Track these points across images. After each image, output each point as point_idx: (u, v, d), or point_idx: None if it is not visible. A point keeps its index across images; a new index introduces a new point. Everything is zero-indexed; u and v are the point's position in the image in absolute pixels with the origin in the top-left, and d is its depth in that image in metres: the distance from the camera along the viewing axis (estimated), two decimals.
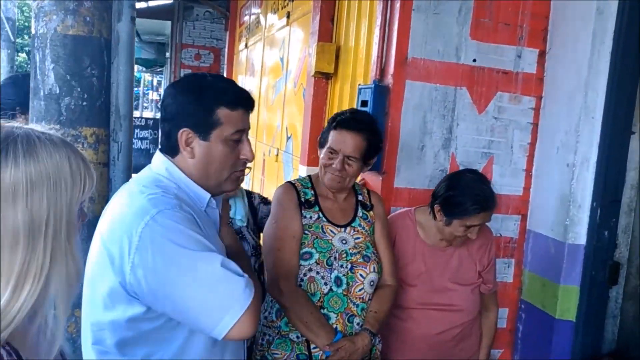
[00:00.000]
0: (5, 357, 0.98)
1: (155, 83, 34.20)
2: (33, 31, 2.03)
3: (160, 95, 25.60)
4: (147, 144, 10.45)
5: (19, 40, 15.82)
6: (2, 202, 0.96)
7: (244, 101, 1.62)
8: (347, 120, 2.26)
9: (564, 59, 2.78)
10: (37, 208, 0.99)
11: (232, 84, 1.66)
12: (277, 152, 5.54)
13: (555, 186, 2.78)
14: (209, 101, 1.57)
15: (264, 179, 6.05)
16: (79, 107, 2.02)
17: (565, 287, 2.70)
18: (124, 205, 1.49)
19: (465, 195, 2.26)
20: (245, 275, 1.44)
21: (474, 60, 2.81)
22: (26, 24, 18.74)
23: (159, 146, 1.67)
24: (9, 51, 11.94)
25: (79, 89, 2.02)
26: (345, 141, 2.20)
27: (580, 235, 2.68)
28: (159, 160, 1.62)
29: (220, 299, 1.39)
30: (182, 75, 10.15)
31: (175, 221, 1.42)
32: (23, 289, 0.98)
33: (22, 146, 1.00)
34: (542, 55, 2.89)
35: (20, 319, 0.98)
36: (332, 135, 2.24)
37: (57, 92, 2.00)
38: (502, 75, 2.86)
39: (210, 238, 1.50)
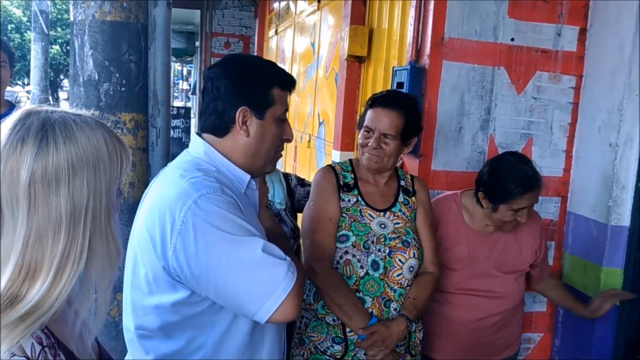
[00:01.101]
0: (44, 340, 0.98)
1: (185, 72, 34.46)
2: (71, 18, 2.05)
3: (190, 84, 25.76)
4: (179, 133, 10.54)
5: (52, 32, 16.07)
6: (45, 188, 0.96)
7: (292, 82, 1.67)
8: (382, 98, 2.23)
9: (606, 36, 2.70)
10: (79, 193, 0.99)
11: (278, 65, 1.70)
12: (309, 138, 5.53)
13: (597, 167, 2.72)
14: (265, 80, 1.60)
15: (296, 165, 6.05)
16: (117, 92, 2.03)
17: (608, 270, 2.64)
18: (164, 190, 1.50)
19: (507, 178, 2.21)
20: (287, 258, 1.44)
21: (512, 40, 2.75)
22: (59, 16, 19.02)
23: (197, 129, 1.68)
24: (42, 43, 12.15)
25: (117, 75, 2.04)
26: (380, 119, 2.17)
27: (623, 216, 2.62)
28: (198, 143, 1.62)
29: (263, 283, 1.39)
30: (212, 63, 10.27)
31: (217, 205, 1.42)
32: (63, 273, 0.98)
33: (61, 131, 0.99)
34: (582, 32, 2.81)
35: (60, 304, 0.99)
36: (369, 114, 2.22)
37: (96, 78, 2.02)
38: (541, 54, 2.79)
39: (250, 221, 1.50)
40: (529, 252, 2.41)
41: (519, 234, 2.40)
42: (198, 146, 1.62)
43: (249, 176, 1.64)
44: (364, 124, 2.22)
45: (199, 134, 1.66)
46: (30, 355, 0.94)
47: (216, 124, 1.60)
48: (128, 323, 1.57)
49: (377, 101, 2.22)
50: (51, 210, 0.96)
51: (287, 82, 1.65)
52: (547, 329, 2.99)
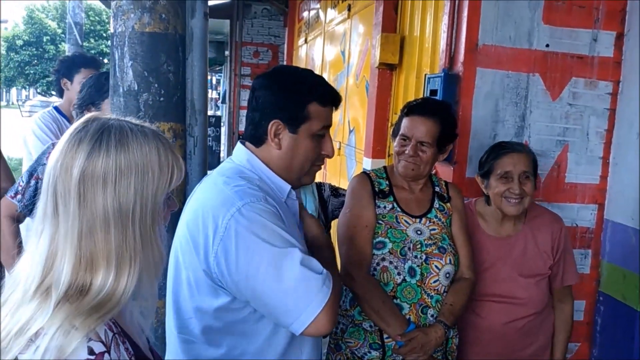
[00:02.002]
0: (113, 328, 1.06)
1: (214, 82, 34.80)
2: (111, 30, 2.09)
3: (219, 93, 26.01)
4: (210, 141, 10.66)
5: (85, 43, 16.39)
6: (93, 186, 1.04)
7: (334, 99, 1.66)
8: (418, 106, 2.24)
9: None
10: (125, 195, 1.06)
11: (323, 80, 1.69)
12: (340, 146, 5.54)
13: (635, 173, 2.67)
14: (302, 95, 1.60)
15: (327, 172, 6.07)
16: (156, 102, 2.07)
17: None
18: (208, 195, 1.53)
19: (486, 152, 2.39)
20: (324, 271, 1.46)
21: (547, 46, 2.73)
22: (92, 27, 19.42)
23: (241, 138, 1.70)
24: (77, 54, 12.39)
25: (156, 85, 2.08)
26: (417, 126, 2.18)
27: None
28: (240, 151, 1.65)
29: (298, 296, 1.41)
30: (242, 72, 10.35)
31: (259, 214, 1.44)
32: (123, 270, 1.06)
33: (115, 137, 1.08)
34: (619, 37, 2.77)
35: (127, 297, 1.07)
36: (404, 122, 2.22)
37: (136, 88, 2.06)
38: (576, 60, 2.76)
39: (291, 231, 1.52)
40: (549, 254, 2.38)
41: (538, 236, 2.39)
42: (241, 154, 1.64)
43: (289, 186, 1.65)
44: (400, 132, 2.22)
45: (242, 142, 1.68)
46: (104, 340, 1.02)
47: (253, 134, 1.63)
48: (171, 325, 1.60)
49: (413, 109, 2.23)
50: (99, 207, 1.05)
51: (328, 98, 1.64)
52: (585, 339, 2.94)
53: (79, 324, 1.00)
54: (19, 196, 2.45)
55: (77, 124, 1.11)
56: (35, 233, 1.08)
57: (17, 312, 1.02)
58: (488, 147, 2.42)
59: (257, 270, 1.40)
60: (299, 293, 1.41)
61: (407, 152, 2.19)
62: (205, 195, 1.54)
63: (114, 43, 2.08)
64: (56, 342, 0.98)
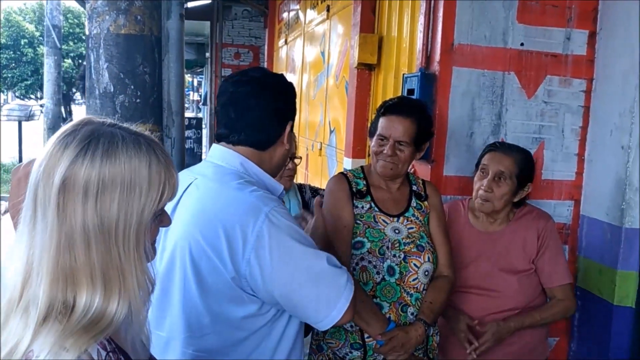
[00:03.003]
0: (107, 346, 1.00)
1: (195, 84, 34.67)
2: (87, 32, 2.08)
3: (200, 95, 25.91)
4: (191, 143, 10.62)
5: (64, 46, 16.25)
6: (73, 197, 0.96)
7: None
8: (394, 106, 2.25)
9: (616, 40, 2.70)
10: (107, 210, 0.97)
11: None
12: (320, 147, 5.56)
13: (610, 170, 2.71)
14: (294, 94, 1.73)
15: (308, 173, 6.08)
16: (132, 104, 2.07)
17: (623, 273, 2.63)
18: (223, 203, 1.51)
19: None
20: (344, 267, 1.54)
21: (522, 44, 2.76)
22: (70, 30, 19.23)
23: (216, 140, 1.69)
24: (55, 57, 12.28)
25: (132, 87, 2.07)
26: (394, 126, 2.19)
27: (637, 219, 2.61)
28: (230, 155, 1.63)
29: (329, 293, 1.48)
30: (222, 74, 10.31)
31: (286, 219, 1.49)
32: (112, 290, 0.98)
33: (103, 145, 0.99)
34: (592, 36, 2.82)
35: (120, 317, 0.99)
36: (381, 121, 2.23)
37: (112, 90, 2.06)
38: (551, 59, 2.80)
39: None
40: (532, 250, 2.41)
41: (523, 233, 2.42)
42: (232, 158, 1.63)
43: (282, 187, 1.71)
44: (378, 132, 2.23)
45: (223, 146, 1.66)
46: None
47: (261, 139, 1.64)
48: (175, 340, 1.56)
49: (389, 109, 2.24)
50: (78, 221, 0.96)
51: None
52: (563, 333, 2.97)
53: (70, 345, 0.93)
54: None
55: (68, 125, 1.02)
56: (18, 237, 1.00)
57: (6, 326, 0.96)
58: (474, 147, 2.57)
59: (292, 273, 1.45)
60: (330, 291, 1.48)
61: (385, 151, 2.20)
62: (217, 203, 1.52)
63: (90, 45, 2.07)
64: None
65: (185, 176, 1.62)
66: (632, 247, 2.62)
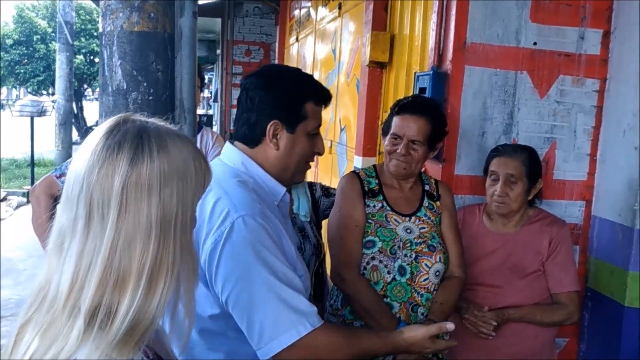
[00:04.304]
0: (149, 353, 1.00)
1: (206, 80, 34.74)
2: (100, 29, 2.10)
3: (211, 92, 25.96)
4: None
5: (76, 42, 16.33)
6: (137, 195, 0.97)
7: (328, 98, 1.68)
8: (409, 105, 2.25)
9: (630, 39, 2.68)
10: (169, 202, 0.99)
11: (314, 79, 1.71)
12: (331, 145, 5.55)
13: (622, 170, 2.70)
14: (299, 95, 1.61)
15: (318, 171, 6.08)
16: (145, 101, 2.08)
17: (635, 274, 2.62)
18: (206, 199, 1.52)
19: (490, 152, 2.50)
20: (313, 307, 1.47)
21: (535, 44, 2.75)
22: (82, 26, 19.32)
23: (230, 139, 1.70)
24: (67, 53, 12.35)
25: (145, 84, 2.08)
26: (409, 125, 2.19)
27: None
28: (233, 153, 1.64)
29: (273, 322, 1.41)
30: (233, 71, 10.34)
31: (256, 230, 1.45)
32: (157, 284, 0.98)
33: (156, 140, 1.00)
34: (606, 35, 2.80)
35: (160, 316, 0.99)
36: (395, 120, 2.23)
37: (125, 87, 2.07)
38: (564, 58, 2.79)
39: (288, 230, 1.58)
40: (543, 253, 2.42)
41: (535, 236, 2.43)
42: (235, 156, 1.63)
43: (284, 189, 1.65)
44: (391, 131, 2.23)
45: (232, 143, 1.68)
46: None
47: (247, 135, 1.62)
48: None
49: (403, 108, 2.24)
50: (142, 217, 0.97)
51: (322, 97, 1.66)
52: (573, 334, 2.96)
53: (116, 355, 0.93)
54: (63, 178, 2.52)
55: (106, 126, 1.02)
56: (57, 248, 0.99)
57: (47, 334, 0.95)
58: (485, 147, 2.55)
59: (234, 286, 1.43)
60: (276, 320, 1.41)
61: (399, 151, 2.20)
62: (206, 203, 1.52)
63: (103, 42, 2.09)
64: None
65: None
66: None
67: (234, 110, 7.75)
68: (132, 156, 0.97)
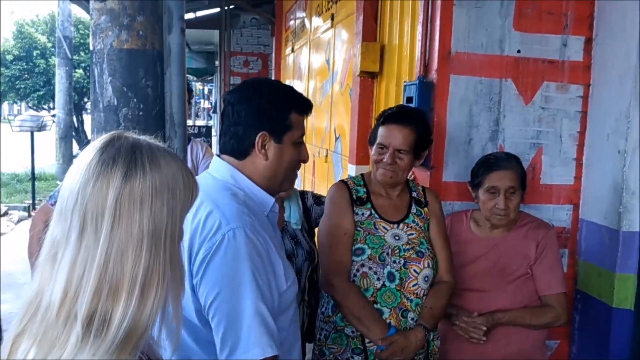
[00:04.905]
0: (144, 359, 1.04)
1: (206, 92, 34.88)
2: (91, 47, 2.16)
3: (211, 103, 26.07)
4: None
5: (75, 57, 16.43)
6: (130, 208, 1.01)
7: (309, 107, 1.73)
8: (393, 115, 2.31)
9: (611, 45, 2.74)
10: (159, 215, 1.03)
11: (295, 90, 1.77)
12: (327, 153, 5.61)
13: (607, 174, 2.75)
14: (284, 106, 1.67)
15: (315, 179, 6.13)
16: (135, 117, 2.13)
17: (622, 276, 2.66)
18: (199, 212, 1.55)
19: (477, 164, 2.49)
20: (274, 334, 1.48)
21: (519, 51, 2.81)
22: (82, 41, 19.43)
23: (218, 152, 1.74)
24: (67, 68, 12.46)
25: (135, 100, 2.13)
26: (394, 135, 2.25)
27: (634, 222, 2.64)
28: (222, 166, 1.68)
29: (240, 337, 1.44)
30: (231, 82, 10.40)
31: (246, 243, 1.48)
32: (149, 294, 1.01)
33: (148, 156, 1.05)
34: (588, 42, 2.85)
35: (153, 322, 1.03)
36: (381, 130, 2.28)
37: (115, 103, 2.12)
38: (547, 65, 2.84)
39: (276, 240, 1.61)
40: (530, 257, 2.46)
41: (522, 241, 2.47)
42: (224, 170, 1.67)
43: (273, 199, 1.69)
44: (377, 141, 2.28)
45: (218, 156, 1.71)
46: None
47: (235, 147, 1.66)
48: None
49: (388, 118, 2.29)
50: (134, 228, 1.00)
51: (304, 107, 1.72)
52: (564, 336, 3.00)
53: (85, 354, 0.96)
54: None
55: (100, 142, 1.06)
56: (50, 259, 1.02)
57: (43, 342, 0.98)
58: (479, 159, 2.52)
59: (224, 294, 1.46)
60: (245, 336, 1.44)
61: (385, 160, 2.25)
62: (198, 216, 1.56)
63: (94, 60, 2.14)
64: None
65: None
66: (630, 250, 2.65)
67: None
68: (126, 170, 1.01)
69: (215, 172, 1.68)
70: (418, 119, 2.33)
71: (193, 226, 1.51)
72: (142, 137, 1.10)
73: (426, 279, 2.24)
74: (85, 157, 1.04)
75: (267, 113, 1.64)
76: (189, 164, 3.29)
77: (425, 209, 2.37)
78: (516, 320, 2.40)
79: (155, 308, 1.02)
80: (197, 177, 1.71)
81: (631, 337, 2.69)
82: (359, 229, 2.26)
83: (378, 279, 2.19)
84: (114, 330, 0.97)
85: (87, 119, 21.30)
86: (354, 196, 2.32)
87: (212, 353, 1.51)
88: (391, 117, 2.30)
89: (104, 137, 1.07)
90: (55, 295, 0.99)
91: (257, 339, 1.43)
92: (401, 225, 2.30)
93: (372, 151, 2.32)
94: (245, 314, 1.43)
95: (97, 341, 0.96)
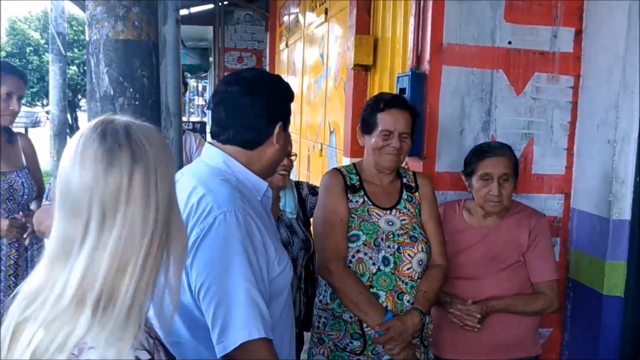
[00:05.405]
0: (151, 333, 1.08)
1: (200, 88, 34.82)
2: (87, 38, 2.18)
3: (205, 100, 26.01)
4: None
5: (69, 53, 16.38)
6: (144, 187, 1.04)
7: (294, 95, 1.82)
8: (394, 100, 2.36)
9: (600, 37, 2.78)
10: (164, 188, 1.08)
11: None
12: (321, 147, 5.64)
13: (597, 163, 2.79)
14: (287, 96, 1.75)
15: (309, 173, 6.16)
16: (132, 106, 2.15)
17: (612, 263, 2.71)
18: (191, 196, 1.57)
19: (470, 153, 2.54)
20: (265, 312, 1.49)
21: (510, 43, 2.84)
22: (75, 37, 19.39)
23: (211, 140, 1.74)
24: (60, 64, 12.40)
25: (131, 90, 2.15)
26: (398, 120, 2.29)
27: (624, 210, 2.68)
28: (214, 153, 1.69)
29: (233, 318, 1.44)
30: None
31: (237, 227, 1.50)
32: (152, 265, 1.05)
33: (142, 133, 1.09)
34: (578, 33, 2.89)
35: (153, 291, 1.07)
36: (383, 117, 2.30)
37: (112, 93, 2.14)
38: (538, 56, 2.88)
39: (270, 225, 1.63)
40: (523, 245, 2.49)
41: (515, 229, 2.51)
42: (215, 156, 1.68)
43: (266, 184, 1.73)
44: (381, 128, 2.30)
45: (211, 143, 1.73)
46: (147, 347, 1.03)
47: (249, 139, 1.68)
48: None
49: (389, 104, 2.32)
50: (144, 205, 1.04)
51: (293, 96, 1.80)
52: (557, 324, 3.04)
53: (123, 334, 0.99)
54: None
55: (94, 132, 1.06)
56: (60, 254, 1.03)
57: (52, 326, 0.99)
58: (472, 148, 2.56)
59: (205, 278, 1.47)
60: (237, 317, 1.44)
61: (393, 145, 2.28)
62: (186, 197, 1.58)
63: (90, 50, 2.16)
64: (105, 356, 0.98)
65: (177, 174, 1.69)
66: (620, 238, 2.70)
67: None
68: (132, 152, 1.04)
69: (208, 159, 1.70)
70: (409, 102, 2.42)
71: (187, 210, 1.52)
72: (123, 117, 1.12)
73: (420, 262, 2.27)
74: (84, 148, 1.04)
75: (281, 104, 1.71)
76: (183, 156, 3.31)
77: (417, 193, 2.41)
78: (509, 307, 2.44)
79: (155, 277, 1.06)
80: (188, 166, 1.76)
81: (621, 323, 2.73)
82: (353, 215, 2.29)
83: (373, 264, 2.23)
84: (119, 304, 1.00)
85: (81, 116, 21.27)
86: (348, 183, 2.36)
87: (206, 340, 1.50)
88: (392, 102, 2.34)
89: (93, 125, 1.07)
90: (71, 284, 1.00)
91: (247, 320, 1.43)
92: (393, 211, 2.34)
93: (373, 139, 2.33)
94: (235, 295, 1.45)
95: (104, 318, 0.99)
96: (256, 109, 1.66)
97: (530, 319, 2.52)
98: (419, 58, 2.87)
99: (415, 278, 2.27)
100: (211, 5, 10.91)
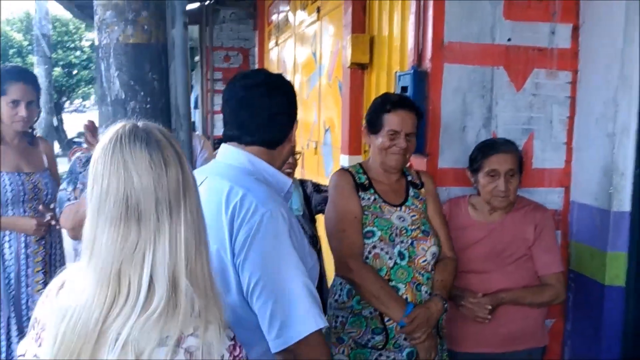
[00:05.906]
0: None
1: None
2: (96, 42, 2.19)
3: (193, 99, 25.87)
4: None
5: (53, 55, 16.25)
6: (192, 182, 1.17)
7: None
8: (400, 101, 2.41)
9: (598, 32, 2.83)
10: (189, 176, 1.17)
11: None
12: (316, 145, 5.66)
13: (596, 156, 2.84)
14: (295, 93, 1.79)
15: (305, 171, 6.18)
16: (143, 109, 2.17)
17: (613, 254, 2.76)
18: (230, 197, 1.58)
19: (475, 149, 2.60)
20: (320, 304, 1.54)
21: (509, 40, 2.89)
22: (59, 38, 19.21)
23: (230, 140, 1.74)
24: (46, 66, 12.33)
25: (142, 93, 2.17)
26: (405, 120, 2.35)
27: (624, 202, 2.74)
28: (236, 153, 1.71)
29: (290, 313, 1.48)
30: (214, 77, 10.35)
31: (283, 224, 1.55)
32: (203, 244, 1.17)
33: (167, 134, 1.19)
34: (575, 29, 2.94)
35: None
36: (389, 117, 2.35)
37: (123, 97, 2.16)
38: (537, 52, 2.93)
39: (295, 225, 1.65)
40: (529, 239, 2.55)
41: (521, 223, 2.57)
42: (239, 156, 1.70)
43: (290, 180, 1.77)
44: (388, 128, 2.35)
45: (230, 145, 1.74)
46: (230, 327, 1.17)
47: (272, 139, 1.71)
48: None
49: (396, 105, 2.37)
50: (196, 191, 1.17)
51: None
52: (559, 315, 3.10)
53: (210, 317, 1.10)
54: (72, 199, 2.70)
55: (127, 137, 1.12)
56: (131, 257, 1.08)
57: (144, 327, 1.06)
58: (478, 144, 2.62)
59: (262, 270, 1.51)
60: (293, 312, 1.48)
61: (400, 145, 2.34)
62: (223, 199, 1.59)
63: (100, 55, 2.17)
64: (207, 340, 1.09)
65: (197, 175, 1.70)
66: (620, 230, 2.75)
67: (217, 116, 7.70)
68: (176, 151, 1.15)
69: (229, 159, 1.71)
70: (414, 103, 2.47)
71: (229, 211, 1.54)
72: (135, 121, 1.19)
73: (433, 255, 2.34)
74: (133, 157, 1.10)
75: (294, 103, 1.77)
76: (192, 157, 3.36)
77: (422, 189, 2.48)
78: (518, 299, 2.50)
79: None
80: (205, 167, 1.78)
81: (623, 313, 2.79)
82: (366, 212, 2.34)
83: (390, 258, 2.28)
84: (202, 287, 1.12)
85: (66, 118, 21.10)
86: (357, 182, 2.39)
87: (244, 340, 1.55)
88: (399, 103, 2.39)
89: (125, 134, 1.13)
90: (160, 282, 1.08)
91: (308, 311, 1.48)
92: (403, 208, 2.39)
93: (379, 139, 2.37)
94: (292, 290, 1.48)
95: (193, 304, 1.09)
96: (281, 108, 1.71)
97: (537, 310, 2.58)
98: (420, 56, 2.91)
99: (430, 270, 2.33)
100: (197, 4, 10.86)
